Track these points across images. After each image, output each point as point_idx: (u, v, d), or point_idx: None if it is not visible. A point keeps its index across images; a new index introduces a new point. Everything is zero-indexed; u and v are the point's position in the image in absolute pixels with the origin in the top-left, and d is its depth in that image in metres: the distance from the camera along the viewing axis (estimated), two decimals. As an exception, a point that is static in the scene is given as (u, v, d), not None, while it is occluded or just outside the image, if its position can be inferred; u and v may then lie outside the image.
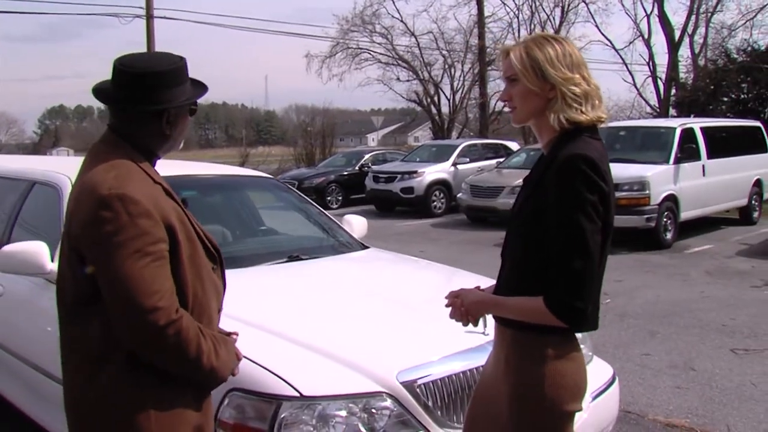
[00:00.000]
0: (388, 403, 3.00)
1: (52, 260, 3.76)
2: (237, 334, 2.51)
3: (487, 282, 2.66)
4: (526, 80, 2.38)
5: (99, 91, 2.34)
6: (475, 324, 2.54)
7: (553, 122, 2.37)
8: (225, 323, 2.53)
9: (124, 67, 2.27)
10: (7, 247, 3.97)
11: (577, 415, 3.39)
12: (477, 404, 2.65)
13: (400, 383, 3.05)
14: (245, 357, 2.55)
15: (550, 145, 2.41)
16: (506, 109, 2.56)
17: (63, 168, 4.69)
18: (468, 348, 3.19)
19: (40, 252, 3.83)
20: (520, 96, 2.42)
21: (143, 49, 26.09)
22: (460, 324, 2.55)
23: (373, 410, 2.97)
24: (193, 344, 2.13)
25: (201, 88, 2.42)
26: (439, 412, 3.08)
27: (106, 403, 2.18)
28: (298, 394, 2.89)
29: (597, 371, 3.96)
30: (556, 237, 2.24)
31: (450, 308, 2.56)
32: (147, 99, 2.25)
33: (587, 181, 2.23)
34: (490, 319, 2.56)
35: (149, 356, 2.14)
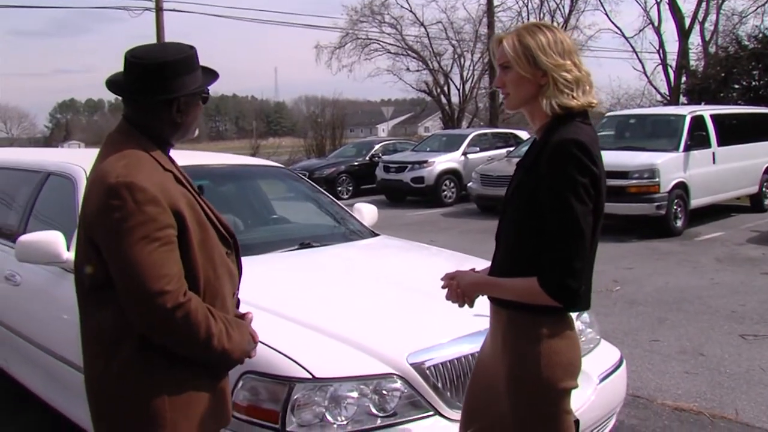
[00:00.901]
0: (399, 384, 3.06)
1: (68, 249, 3.83)
2: (251, 314, 2.57)
3: (483, 264, 2.72)
4: (519, 67, 2.43)
5: (112, 83, 2.41)
6: (471, 305, 2.59)
7: (545, 108, 2.42)
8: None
9: (134, 58, 2.33)
10: (24, 237, 4.04)
11: (585, 396, 3.48)
12: (476, 384, 2.71)
13: (411, 365, 3.11)
14: (259, 341, 2.60)
15: (543, 130, 2.46)
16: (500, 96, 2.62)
17: (77, 159, 4.76)
18: (477, 331, 3.22)
19: (57, 241, 3.89)
20: (513, 82, 2.47)
21: (153, 42, 26.13)
22: (456, 305, 2.61)
23: (384, 392, 3.03)
24: (203, 327, 2.19)
25: (211, 75, 2.48)
26: (448, 394, 3.13)
27: (122, 387, 2.25)
28: (310, 376, 2.95)
29: (604, 354, 4.01)
30: (549, 219, 2.30)
31: (446, 290, 2.62)
32: (157, 89, 2.31)
33: (579, 164, 2.28)
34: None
35: (159, 339, 2.20)
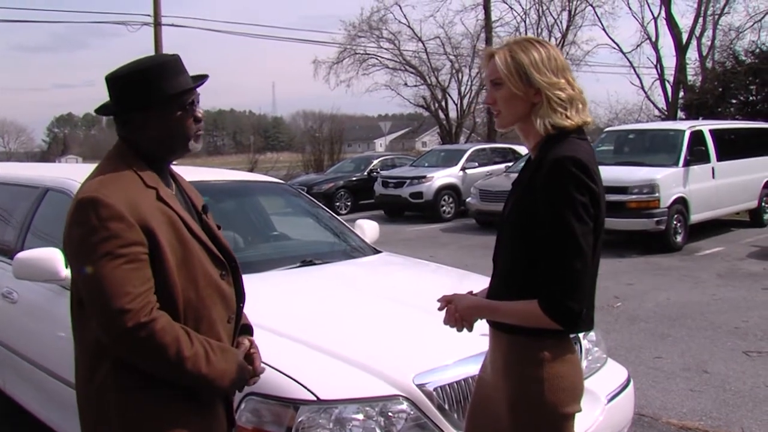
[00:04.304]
0: (405, 406, 2.99)
1: (66, 266, 3.76)
2: (246, 342, 2.49)
3: (486, 281, 2.66)
4: (511, 84, 2.36)
5: (101, 106, 2.39)
6: (470, 329, 2.53)
7: (538, 127, 2.36)
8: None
9: (107, 76, 2.31)
10: (22, 254, 3.97)
11: (593, 417, 3.42)
12: (476, 407, 2.65)
13: (417, 386, 3.05)
14: (262, 362, 2.53)
15: (537, 148, 2.40)
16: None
17: (75, 174, 4.69)
18: (482, 351, 3.12)
19: (55, 258, 3.82)
20: (505, 100, 2.40)
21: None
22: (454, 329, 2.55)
23: (390, 413, 2.97)
24: (171, 349, 2.10)
25: (189, 81, 2.37)
26: (455, 415, 3.07)
27: (101, 402, 2.20)
28: (315, 398, 2.89)
29: (612, 373, 3.95)
30: (549, 239, 2.24)
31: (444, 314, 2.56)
32: (127, 99, 2.28)
33: (577, 182, 2.22)
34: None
35: (126, 357, 2.14)
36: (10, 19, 36.09)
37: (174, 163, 2.46)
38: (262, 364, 2.51)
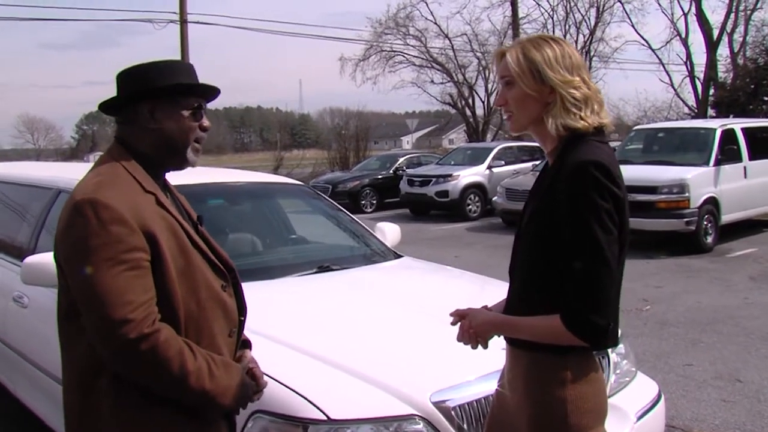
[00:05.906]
0: (421, 426, 2.83)
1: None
2: (248, 355, 2.39)
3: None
4: (523, 84, 2.23)
5: (104, 102, 2.30)
6: (485, 346, 2.38)
7: (550, 128, 2.21)
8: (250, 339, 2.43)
9: (117, 73, 2.26)
10: (30, 259, 3.88)
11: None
12: (494, 422, 2.51)
13: (434, 405, 2.88)
14: (270, 377, 2.41)
15: (556, 152, 2.25)
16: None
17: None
18: (506, 367, 3.02)
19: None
20: (517, 100, 2.27)
21: (178, 53, 26.33)
22: (469, 347, 2.41)
23: (405, 434, 2.81)
24: (175, 362, 1.97)
25: (207, 88, 2.30)
26: (475, 436, 2.91)
27: (97, 418, 2.07)
28: (325, 418, 2.74)
29: (642, 388, 3.77)
30: (571, 250, 2.09)
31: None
32: (134, 87, 2.20)
33: (600, 188, 2.07)
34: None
35: (123, 371, 2.00)
36: (39, 17, 36.42)
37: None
38: (269, 379, 2.40)
